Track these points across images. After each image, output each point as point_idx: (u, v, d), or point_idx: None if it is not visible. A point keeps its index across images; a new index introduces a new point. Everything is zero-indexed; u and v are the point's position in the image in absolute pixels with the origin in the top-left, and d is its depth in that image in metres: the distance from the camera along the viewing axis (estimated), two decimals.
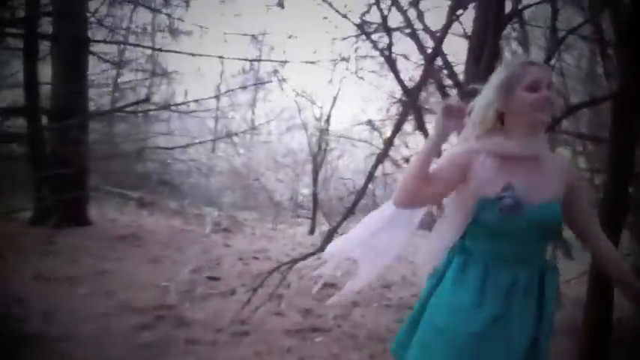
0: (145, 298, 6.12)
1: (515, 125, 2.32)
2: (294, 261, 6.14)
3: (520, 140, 2.30)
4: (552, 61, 8.02)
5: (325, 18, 7.45)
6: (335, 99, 15.01)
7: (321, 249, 6.75)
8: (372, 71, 8.95)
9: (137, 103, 10.97)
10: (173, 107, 12.64)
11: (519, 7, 6.85)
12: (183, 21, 12.08)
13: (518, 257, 2.31)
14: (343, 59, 8.73)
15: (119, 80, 14.48)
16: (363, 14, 6.86)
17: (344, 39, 7.85)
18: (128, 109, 11.63)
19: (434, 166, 2.32)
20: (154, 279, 6.97)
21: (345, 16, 6.63)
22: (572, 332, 5.15)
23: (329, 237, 6.75)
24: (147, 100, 11.08)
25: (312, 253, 6.45)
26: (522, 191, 2.24)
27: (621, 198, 4.64)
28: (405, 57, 7.04)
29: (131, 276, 7.01)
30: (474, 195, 2.28)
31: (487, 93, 2.36)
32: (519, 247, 2.30)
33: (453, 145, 2.50)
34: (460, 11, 6.46)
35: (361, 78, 9.11)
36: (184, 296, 6.42)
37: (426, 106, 7.05)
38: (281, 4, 7.73)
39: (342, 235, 2.88)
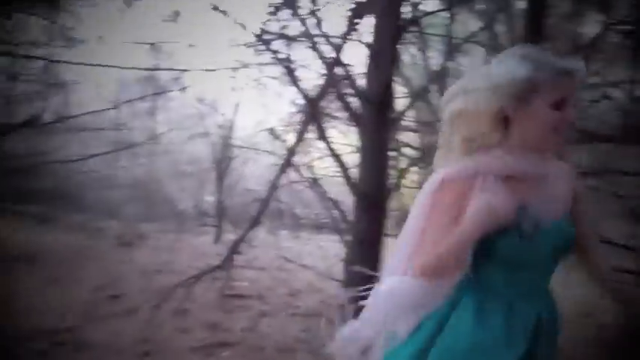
0: (43, 323, 5.85)
1: (520, 138, 1.90)
2: (200, 274, 6.03)
3: (527, 156, 1.91)
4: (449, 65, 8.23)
5: (225, 26, 7.33)
6: (237, 107, 14.89)
7: (228, 259, 6.68)
8: (274, 77, 8.90)
9: (24, 124, 10.48)
10: (70, 120, 12.20)
11: (418, 14, 6.98)
12: (74, 29, 11.65)
13: (539, 288, 2.00)
14: (244, 66, 8.64)
15: (12, 92, 13.89)
16: (263, 23, 6.81)
17: (249, 46, 7.75)
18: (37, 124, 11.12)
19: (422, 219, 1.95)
20: (51, 301, 6.69)
21: (242, 26, 6.54)
22: None
23: (234, 248, 6.68)
24: (36, 119, 10.62)
25: (219, 266, 6.36)
26: (537, 212, 1.89)
27: None
28: (305, 67, 7.02)
29: (27, 299, 6.70)
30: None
31: (491, 76, 1.88)
32: (539, 277, 1.99)
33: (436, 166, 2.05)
34: (359, 20, 6.51)
35: (262, 85, 9.04)
36: (84, 318, 6.19)
37: (326, 113, 7.05)
38: (176, 14, 7.56)
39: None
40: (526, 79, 1.81)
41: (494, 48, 7.62)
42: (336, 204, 6.53)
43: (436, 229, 1.91)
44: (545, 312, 1.98)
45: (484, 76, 1.91)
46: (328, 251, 8.85)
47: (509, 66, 1.85)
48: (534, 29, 4.72)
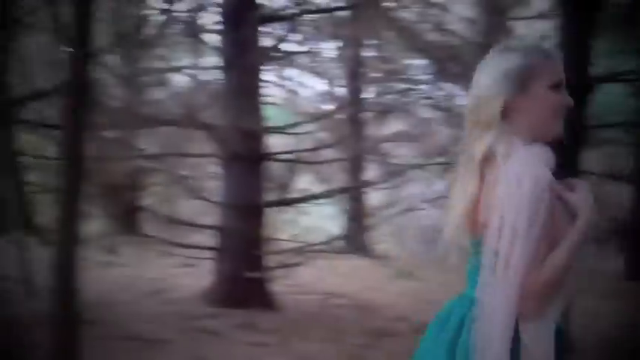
0: None
1: (524, 128, 1.78)
2: None
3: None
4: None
5: None
6: None
7: None
8: None
9: None
10: None
11: None
12: None
13: None
14: None
15: None
16: None
17: None
18: None
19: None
20: None
21: None
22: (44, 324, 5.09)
23: None
24: None
25: None
26: None
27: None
28: None
29: None
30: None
31: (489, 81, 1.79)
32: None
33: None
34: None
35: None
36: None
37: None
38: None
39: None
40: (519, 67, 1.77)
41: (55, 30, 7.48)
42: None
43: (535, 242, 1.68)
44: None
45: (481, 87, 1.82)
46: None
47: (495, 64, 1.81)
48: (84, 9, 4.73)
